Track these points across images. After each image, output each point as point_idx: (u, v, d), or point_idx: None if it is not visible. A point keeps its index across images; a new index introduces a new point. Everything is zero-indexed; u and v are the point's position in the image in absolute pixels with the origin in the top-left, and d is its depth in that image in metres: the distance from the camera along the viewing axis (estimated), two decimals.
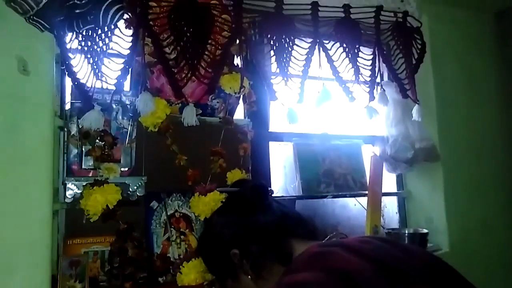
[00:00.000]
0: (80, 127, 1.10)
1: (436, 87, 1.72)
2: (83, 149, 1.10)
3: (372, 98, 1.49)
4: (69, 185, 1.06)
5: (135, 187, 1.14)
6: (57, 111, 1.15)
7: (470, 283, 0.73)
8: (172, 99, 1.25)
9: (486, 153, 1.79)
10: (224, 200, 1.14)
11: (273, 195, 1.17)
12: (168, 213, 1.25)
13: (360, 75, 1.45)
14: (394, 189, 1.83)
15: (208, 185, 1.20)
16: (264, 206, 0.94)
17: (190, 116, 1.15)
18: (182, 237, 1.24)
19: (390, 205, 1.82)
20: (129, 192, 1.16)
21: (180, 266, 1.12)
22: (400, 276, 0.69)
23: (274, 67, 1.32)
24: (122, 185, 1.12)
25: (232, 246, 0.88)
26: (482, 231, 1.69)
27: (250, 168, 1.38)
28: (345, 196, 1.63)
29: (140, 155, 1.22)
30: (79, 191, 1.07)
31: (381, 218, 1.67)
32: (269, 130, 1.55)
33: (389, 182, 1.81)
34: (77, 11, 0.93)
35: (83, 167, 1.10)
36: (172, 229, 1.23)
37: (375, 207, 1.63)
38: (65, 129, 1.14)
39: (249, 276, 0.87)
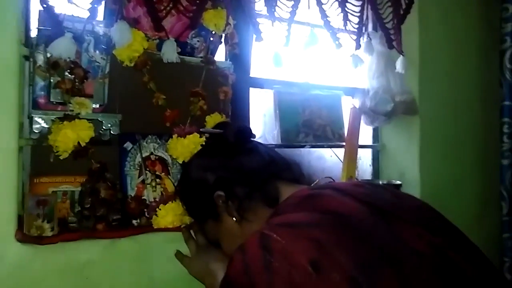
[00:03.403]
0: (48, 56, 1.00)
1: (420, 41, 1.69)
2: (51, 80, 1.00)
3: (358, 46, 1.45)
4: (36, 118, 0.97)
5: (109, 125, 1.06)
6: (22, 38, 1.03)
7: (454, 226, 0.73)
8: (149, 33, 1.16)
9: (462, 111, 1.81)
10: (204, 143, 1.09)
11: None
12: (143, 156, 1.19)
13: (348, 22, 1.40)
14: (369, 142, 1.83)
15: (188, 127, 1.15)
16: (249, 149, 0.90)
17: (170, 52, 1.07)
18: (157, 180, 1.19)
19: (364, 158, 1.83)
20: (101, 130, 1.09)
21: (157, 209, 1.07)
22: (393, 218, 0.68)
23: (260, 5, 1.24)
24: (95, 122, 1.04)
25: (216, 188, 0.85)
26: (453, 186, 1.73)
27: (229, 114, 1.32)
28: (322, 146, 1.61)
29: (113, 92, 1.13)
30: (46, 126, 0.99)
31: (356, 170, 1.68)
32: (250, 75, 1.48)
33: (363, 135, 1.80)
34: None
35: (51, 100, 1.00)
36: (147, 172, 1.18)
37: (351, 159, 1.63)
38: (31, 58, 1.04)
39: (234, 218, 0.84)
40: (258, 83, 1.52)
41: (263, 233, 0.64)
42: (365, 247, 0.61)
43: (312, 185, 0.88)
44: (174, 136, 1.13)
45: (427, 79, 1.70)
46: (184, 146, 1.10)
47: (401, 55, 1.54)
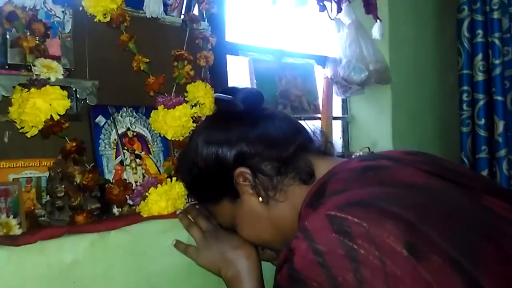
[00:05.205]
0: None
1: (390, 8, 1.66)
2: (8, 37, 0.78)
3: (339, 10, 1.37)
4: None
5: (85, 94, 0.86)
6: None
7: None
8: None
9: (424, 80, 1.84)
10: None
11: None
12: (119, 132, 1.00)
13: None
14: (338, 114, 1.78)
15: (174, 96, 0.98)
16: (268, 116, 0.78)
17: (155, 5, 0.89)
18: (137, 160, 1.01)
19: (333, 130, 1.78)
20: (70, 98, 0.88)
21: (146, 193, 0.91)
22: (463, 187, 0.61)
23: None
24: (66, 90, 0.83)
25: (237, 165, 0.72)
26: None
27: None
28: (300, 118, 1.52)
29: (80, 54, 0.92)
30: (5, 95, 0.77)
31: None
32: (226, 40, 1.33)
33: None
34: None
35: (9, 62, 0.78)
36: (125, 151, 1.00)
37: (328, 131, 1.57)
38: None
39: (260, 198, 0.72)
40: (233, 49, 1.38)
41: (331, 215, 0.53)
42: (456, 222, 0.53)
43: (354, 156, 0.78)
44: (160, 107, 0.96)
45: (396, 47, 1.68)
46: (175, 119, 0.94)
47: (378, 21, 1.49)
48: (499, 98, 1.77)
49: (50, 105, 0.75)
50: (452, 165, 0.68)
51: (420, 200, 0.55)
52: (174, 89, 1.00)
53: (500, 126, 1.77)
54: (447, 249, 0.48)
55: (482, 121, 1.79)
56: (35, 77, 0.77)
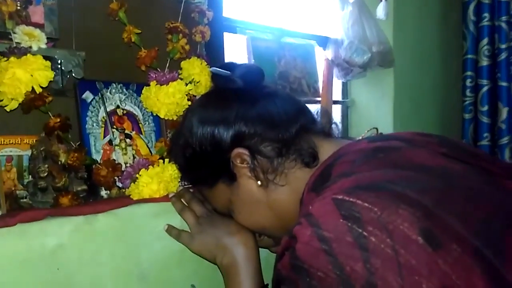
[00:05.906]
0: None
1: None
2: None
3: None
4: None
5: (70, 66, 0.80)
6: None
7: None
8: None
9: (430, 63, 1.78)
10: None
11: None
12: (108, 109, 0.94)
13: None
14: (337, 97, 1.73)
15: (167, 72, 0.92)
16: (269, 94, 0.72)
17: None
18: (128, 140, 0.95)
19: (333, 114, 1.73)
20: (55, 71, 0.82)
21: (136, 175, 0.85)
22: (482, 170, 0.56)
23: None
24: (50, 61, 0.77)
25: (234, 145, 0.66)
26: None
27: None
28: None
29: (65, 23, 0.85)
30: None
31: None
32: (223, 15, 1.26)
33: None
34: None
35: None
36: (114, 130, 0.94)
37: None
38: None
39: (259, 181, 0.66)
40: (231, 27, 1.31)
41: (339, 200, 0.47)
42: (477, 208, 0.48)
43: (361, 137, 0.72)
44: (152, 83, 0.90)
45: (400, 29, 1.62)
46: (168, 96, 0.87)
47: (382, 0, 1.42)
48: (504, 84, 1.72)
49: (31, 76, 0.69)
50: (470, 147, 0.63)
51: (437, 183, 0.50)
52: (167, 65, 0.94)
53: (504, 113, 1.72)
54: (467, 237, 0.44)
55: (485, 108, 1.74)
56: (15, 45, 0.70)
